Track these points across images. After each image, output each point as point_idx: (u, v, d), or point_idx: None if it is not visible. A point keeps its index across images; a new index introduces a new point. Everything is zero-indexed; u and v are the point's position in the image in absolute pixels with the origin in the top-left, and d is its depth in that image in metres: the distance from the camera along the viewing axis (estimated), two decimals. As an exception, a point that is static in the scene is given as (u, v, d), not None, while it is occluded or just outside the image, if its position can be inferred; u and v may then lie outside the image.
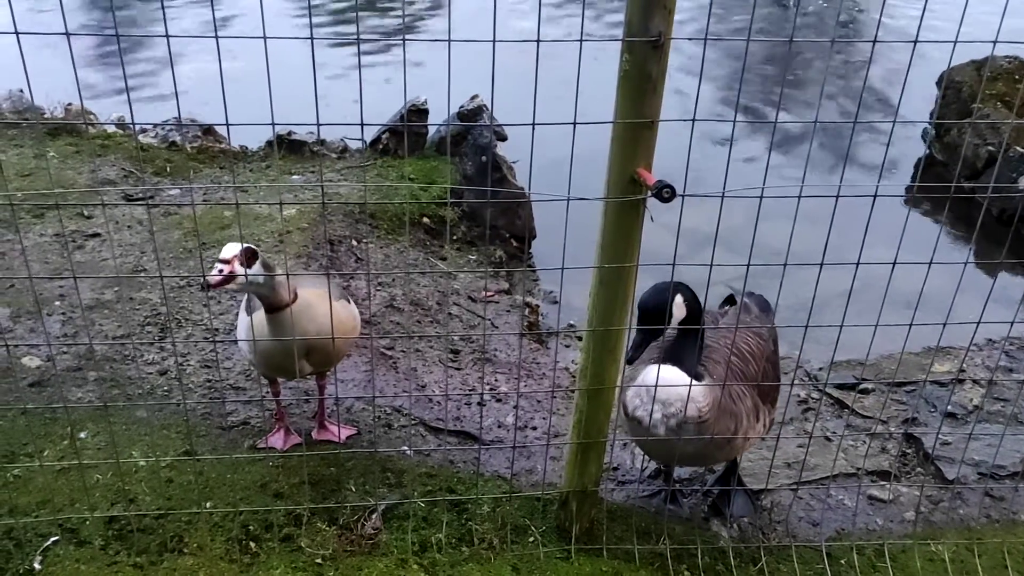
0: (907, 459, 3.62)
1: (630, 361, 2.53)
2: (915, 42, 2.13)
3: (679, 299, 2.58)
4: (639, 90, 2.15)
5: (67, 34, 1.94)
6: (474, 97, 5.83)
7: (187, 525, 2.76)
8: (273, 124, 2.10)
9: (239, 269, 2.52)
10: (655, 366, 2.62)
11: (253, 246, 2.58)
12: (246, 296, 2.92)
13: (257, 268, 2.56)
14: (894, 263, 2.32)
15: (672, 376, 2.60)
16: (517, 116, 2.19)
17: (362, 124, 2.12)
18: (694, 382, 2.60)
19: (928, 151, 7.37)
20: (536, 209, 5.81)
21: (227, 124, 2.05)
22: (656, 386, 2.59)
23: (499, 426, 3.61)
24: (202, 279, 2.49)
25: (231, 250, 2.52)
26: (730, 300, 3.40)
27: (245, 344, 2.89)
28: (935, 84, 7.53)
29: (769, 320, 3.17)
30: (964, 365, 4.21)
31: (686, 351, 2.65)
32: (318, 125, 2.10)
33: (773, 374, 2.96)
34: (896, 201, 6.61)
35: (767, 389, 2.89)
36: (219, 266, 2.51)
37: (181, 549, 2.67)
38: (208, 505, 2.85)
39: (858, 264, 2.34)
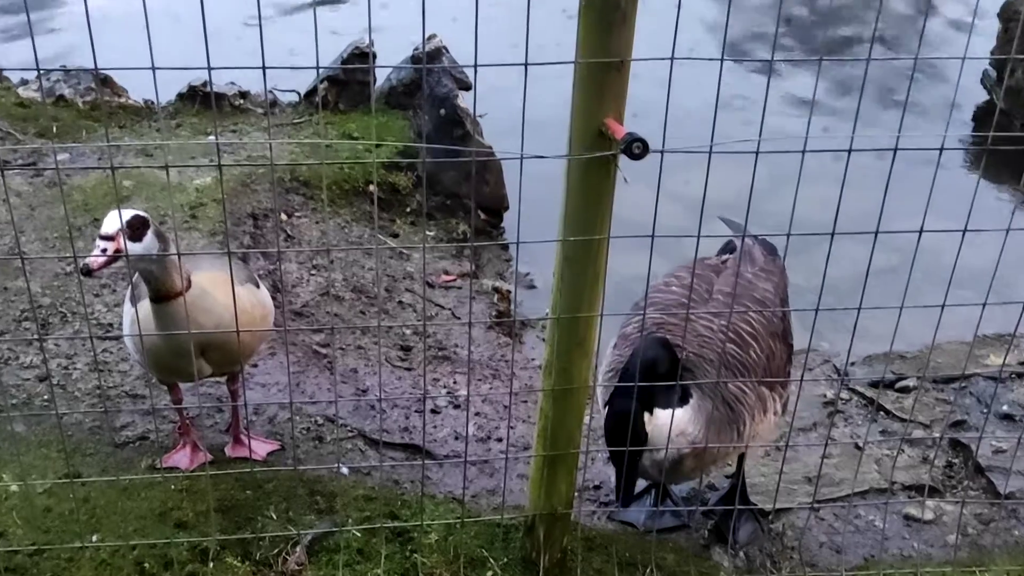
0: (953, 470, 3.65)
1: (625, 503, 2.65)
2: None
3: (647, 416, 2.62)
4: (605, 22, 2.14)
5: None
6: (431, 37, 5.80)
7: (68, 563, 2.75)
8: (153, 68, 2.08)
9: (130, 245, 2.48)
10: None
11: (142, 213, 2.56)
12: (133, 278, 2.90)
13: (149, 240, 2.54)
14: (920, 231, 2.33)
15: (654, 418, 2.63)
16: (484, 60, 2.18)
17: (264, 67, 2.10)
18: (676, 412, 2.64)
19: (989, 96, 7.41)
20: (508, 173, 5.80)
21: (96, 69, 2.03)
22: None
23: (456, 438, 3.62)
24: (81, 263, 2.45)
25: (114, 222, 2.48)
26: (730, 246, 3.40)
27: (130, 341, 2.87)
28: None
29: (776, 267, 3.18)
30: (1022, 356, 4.24)
31: (665, 372, 2.67)
32: (208, 69, 2.08)
33: (782, 348, 2.98)
34: (955, 159, 6.65)
35: (776, 370, 2.92)
36: (101, 244, 2.48)
37: (60, 593, 2.67)
38: (95, 539, 2.84)
39: (876, 233, 2.35)
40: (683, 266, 3.19)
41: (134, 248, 2.49)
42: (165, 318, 2.62)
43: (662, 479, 2.81)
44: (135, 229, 2.49)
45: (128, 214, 2.48)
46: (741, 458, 3.23)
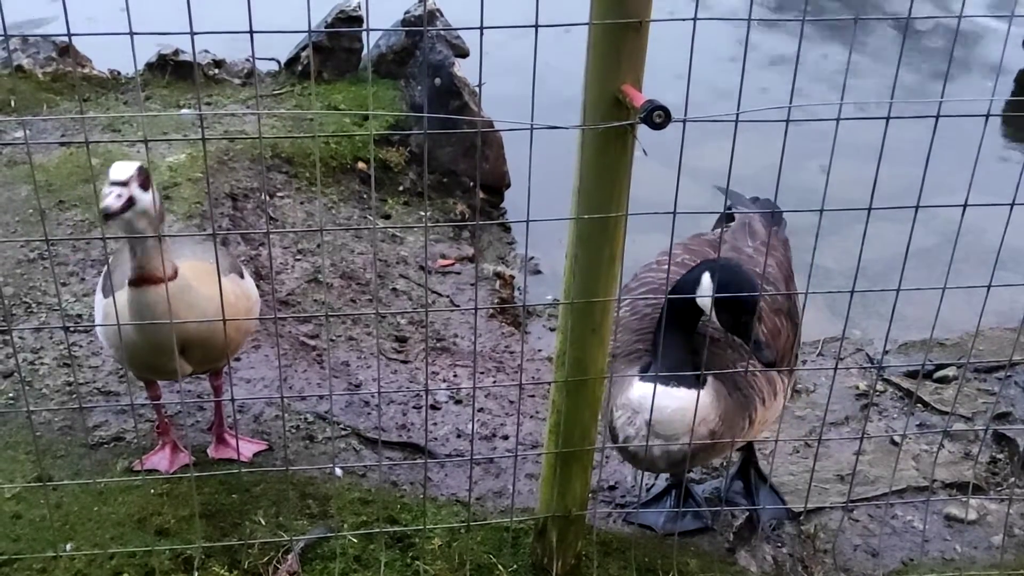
0: (997, 466, 3.68)
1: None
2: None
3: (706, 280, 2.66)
4: (621, -21, 2.15)
5: None
6: (424, -1, 5.82)
7: (40, 574, 2.77)
8: (131, 33, 2.09)
9: (139, 193, 2.58)
10: (648, 386, 2.68)
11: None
12: (106, 267, 2.91)
13: (153, 193, 2.63)
14: (964, 205, 2.34)
15: (672, 401, 2.67)
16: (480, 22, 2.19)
17: (251, 31, 2.11)
18: (699, 395, 2.67)
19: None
20: (509, 149, 5.82)
21: (68, 34, 2.05)
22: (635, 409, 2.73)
23: (459, 435, 3.65)
24: (100, 206, 2.54)
25: (124, 170, 2.58)
26: (728, 218, 3.46)
27: (103, 334, 2.89)
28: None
29: (778, 240, 3.23)
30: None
31: (680, 348, 2.71)
32: (192, 34, 2.09)
33: (788, 327, 3.04)
34: (999, 129, 6.68)
35: (782, 349, 2.98)
36: (115, 190, 2.56)
37: (32, 605, 2.70)
38: (69, 547, 2.86)
39: (917, 207, 2.36)
40: (678, 243, 3.26)
41: (143, 197, 2.58)
42: (142, 307, 2.64)
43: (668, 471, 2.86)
44: (144, 178, 2.59)
45: (137, 165, 2.59)
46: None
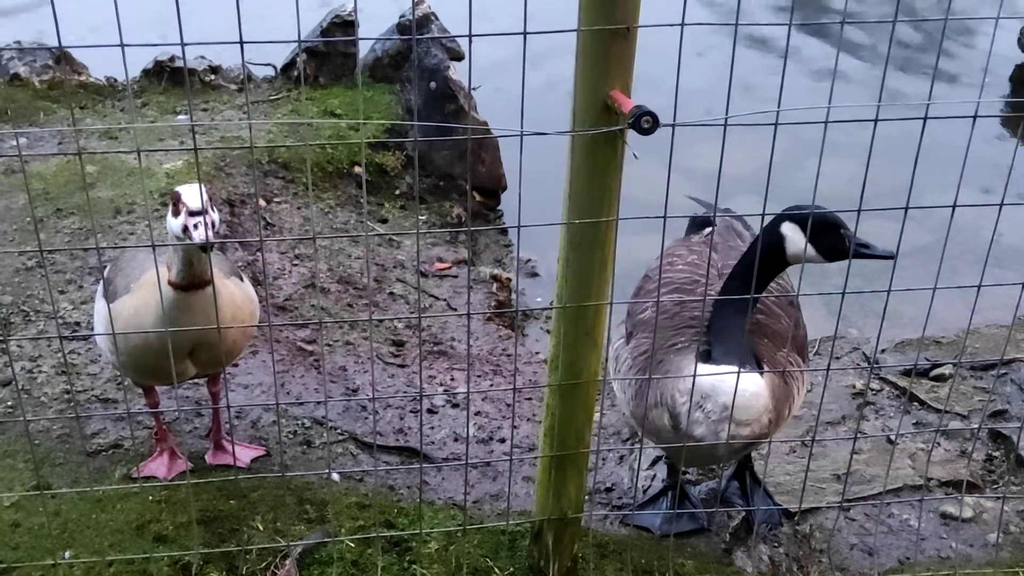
0: (993, 464, 3.69)
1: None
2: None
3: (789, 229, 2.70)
4: (609, -14, 2.16)
5: None
6: (419, 2, 5.83)
7: (40, 582, 2.79)
8: (122, 45, 2.10)
9: (215, 214, 2.57)
10: (728, 372, 2.66)
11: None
12: (105, 273, 2.93)
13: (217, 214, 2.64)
14: (954, 205, 2.36)
15: (750, 384, 2.68)
16: (477, 28, 2.20)
17: (241, 42, 2.12)
18: (763, 381, 2.72)
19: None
20: (505, 152, 5.83)
21: (59, 47, 2.06)
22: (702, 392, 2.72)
23: (455, 439, 3.66)
24: (196, 241, 2.51)
25: (197, 196, 2.53)
26: (701, 224, 3.49)
27: (105, 340, 2.90)
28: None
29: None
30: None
31: (736, 332, 2.72)
32: (182, 45, 2.10)
33: (801, 317, 3.10)
34: (992, 127, 6.69)
35: (801, 340, 3.04)
36: (197, 219, 2.52)
37: (32, 613, 2.72)
38: (68, 555, 2.88)
39: (906, 209, 2.38)
40: (678, 243, 3.33)
41: (216, 215, 2.57)
42: (187, 310, 2.67)
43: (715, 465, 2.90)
44: (209, 196, 2.57)
45: (196, 187, 2.54)
46: None
